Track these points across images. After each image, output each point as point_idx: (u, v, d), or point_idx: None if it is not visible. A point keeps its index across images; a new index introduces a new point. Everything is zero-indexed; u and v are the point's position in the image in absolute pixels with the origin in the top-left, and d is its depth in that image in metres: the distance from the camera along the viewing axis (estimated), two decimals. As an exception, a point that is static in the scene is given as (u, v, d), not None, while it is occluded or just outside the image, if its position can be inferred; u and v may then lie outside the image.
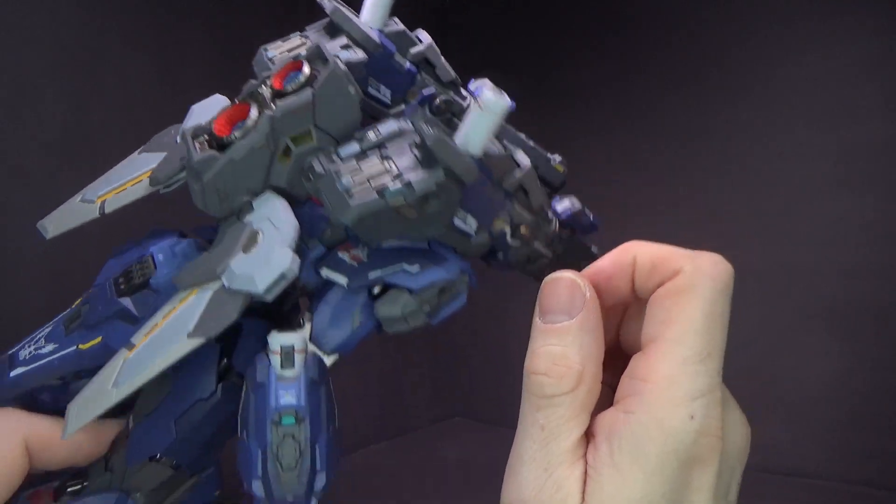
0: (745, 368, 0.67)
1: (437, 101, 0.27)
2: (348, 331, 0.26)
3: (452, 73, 0.32)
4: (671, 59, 0.70)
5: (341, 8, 0.29)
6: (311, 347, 0.26)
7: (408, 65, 0.30)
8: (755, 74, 0.66)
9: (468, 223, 0.26)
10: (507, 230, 0.28)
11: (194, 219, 0.54)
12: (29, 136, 0.42)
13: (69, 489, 0.28)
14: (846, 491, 0.61)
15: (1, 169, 0.41)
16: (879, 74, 0.61)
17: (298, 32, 0.31)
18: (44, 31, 0.42)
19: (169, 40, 0.51)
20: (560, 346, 0.22)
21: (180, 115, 0.56)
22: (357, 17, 0.29)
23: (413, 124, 0.25)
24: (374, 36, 0.29)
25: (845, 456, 0.62)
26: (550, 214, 0.30)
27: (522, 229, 0.28)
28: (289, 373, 0.25)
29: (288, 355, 0.25)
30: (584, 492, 0.20)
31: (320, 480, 0.25)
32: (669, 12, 0.71)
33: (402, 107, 0.29)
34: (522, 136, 0.31)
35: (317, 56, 0.26)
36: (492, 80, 0.25)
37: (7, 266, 0.41)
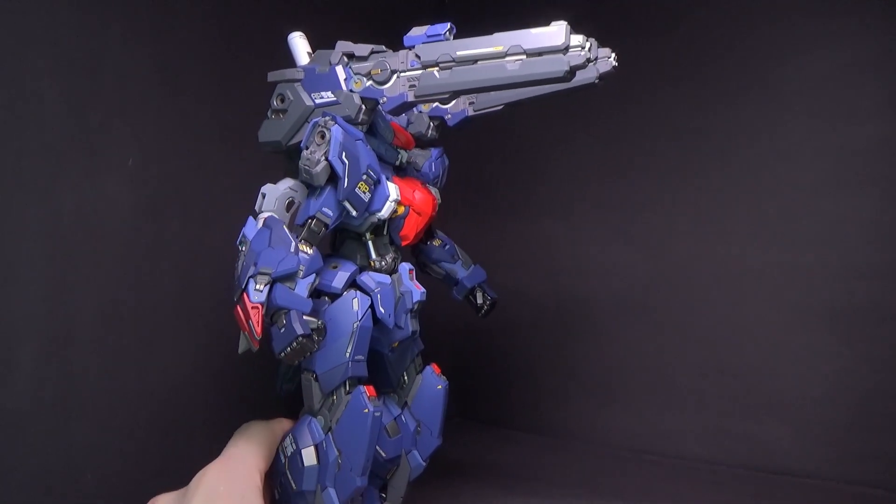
0: (745, 368, 0.67)
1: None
2: None
3: (367, 47, 0.43)
4: (670, 58, 0.70)
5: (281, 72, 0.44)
6: None
7: (331, 68, 0.43)
8: (755, 74, 0.66)
9: None
10: None
11: (192, 225, 0.55)
12: (29, 137, 0.42)
13: None
14: (846, 491, 0.61)
15: (1, 169, 0.41)
16: (879, 74, 0.61)
17: None
18: (44, 31, 0.42)
19: (169, 40, 0.51)
20: None
21: (180, 115, 0.56)
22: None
23: None
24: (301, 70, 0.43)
25: (845, 456, 0.62)
26: None
27: None
28: None
29: None
30: None
31: None
32: (668, 11, 0.71)
33: None
34: None
35: None
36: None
37: (7, 266, 0.41)
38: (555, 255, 0.78)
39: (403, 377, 0.49)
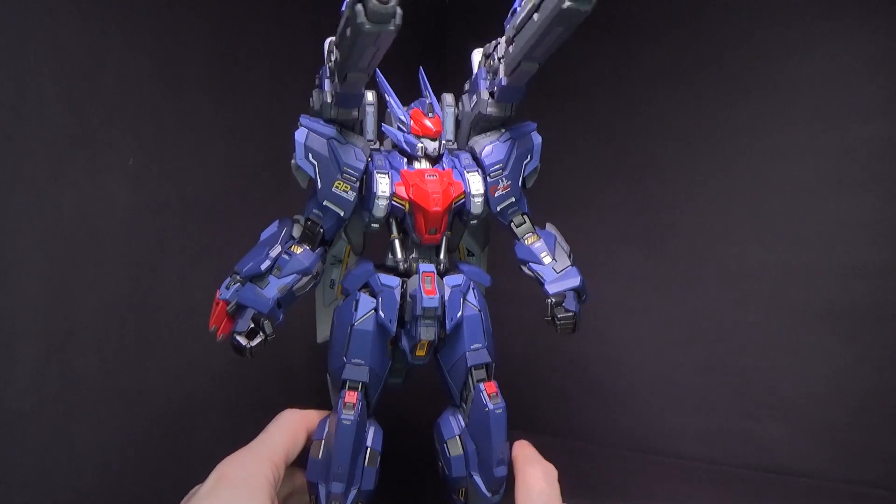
0: (745, 368, 0.67)
1: None
2: None
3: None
4: (671, 58, 0.70)
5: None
6: None
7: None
8: (755, 74, 0.66)
9: None
10: None
11: (193, 225, 0.55)
12: (29, 136, 0.42)
13: None
14: (846, 491, 0.61)
15: (1, 169, 0.41)
16: (879, 74, 0.61)
17: None
18: (44, 31, 0.42)
19: (169, 40, 0.51)
20: None
21: (180, 115, 0.56)
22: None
23: None
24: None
25: (845, 456, 0.63)
26: None
27: None
28: None
29: None
30: None
31: None
32: (669, 11, 0.71)
33: None
34: None
35: None
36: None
37: (7, 266, 0.41)
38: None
39: (465, 392, 0.44)
